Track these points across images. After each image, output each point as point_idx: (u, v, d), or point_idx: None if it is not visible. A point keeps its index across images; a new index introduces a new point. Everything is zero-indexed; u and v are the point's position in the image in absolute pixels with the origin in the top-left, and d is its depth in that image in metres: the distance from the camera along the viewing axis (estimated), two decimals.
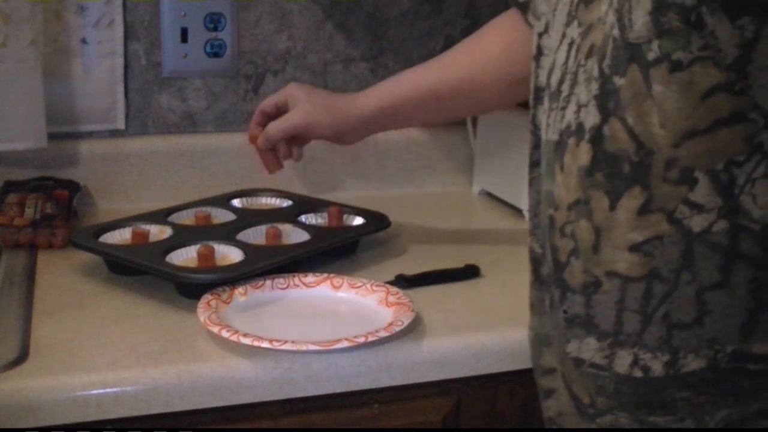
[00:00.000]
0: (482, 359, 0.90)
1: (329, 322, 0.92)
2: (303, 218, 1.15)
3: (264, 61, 1.36)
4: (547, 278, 0.77)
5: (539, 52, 0.78)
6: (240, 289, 0.94)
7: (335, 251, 1.09)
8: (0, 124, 1.18)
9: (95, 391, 0.79)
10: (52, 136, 1.23)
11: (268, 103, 1.09)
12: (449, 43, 1.45)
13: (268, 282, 0.97)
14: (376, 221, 1.15)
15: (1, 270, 1.05)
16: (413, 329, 0.90)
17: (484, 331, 0.91)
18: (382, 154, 1.43)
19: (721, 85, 0.61)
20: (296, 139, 1.09)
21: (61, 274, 1.03)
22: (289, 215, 1.15)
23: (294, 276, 0.98)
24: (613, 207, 0.67)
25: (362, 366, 0.86)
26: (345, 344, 0.83)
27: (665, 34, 0.62)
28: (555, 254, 0.73)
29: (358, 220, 1.16)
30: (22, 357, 0.82)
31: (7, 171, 1.24)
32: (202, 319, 0.86)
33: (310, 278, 0.99)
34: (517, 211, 1.30)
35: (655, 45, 0.63)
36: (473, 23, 1.45)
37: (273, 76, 1.37)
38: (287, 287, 0.97)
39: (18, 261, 1.07)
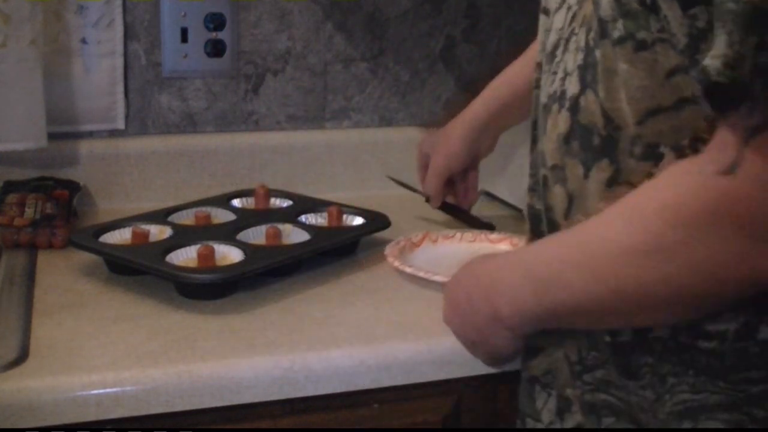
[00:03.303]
0: None
1: None
2: (303, 218, 1.15)
3: (264, 61, 1.36)
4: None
5: (546, 12, 0.78)
6: (432, 236, 1.13)
7: (335, 251, 1.09)
8: (0, 124, 1.18)
9: (95, 391, 0.79)
10: (52, 136, 1.23)
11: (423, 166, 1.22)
12: (449, 43, 1.45)
13: (458, 234, 1.14)
14: (376, 221, 1.15)
15: (1, 270, 1.05)
16: (413, 329, 0.90)
17: None
18: (382, 154, 1.43)
19: (680, 66, 0.62)
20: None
21: (61, 274, 1.03)
22: (289, 215, 1.15)
23: (481, 233, 1.15)
24: (586, 176, 0.68)
25: (362, 366, 0.86)
26: None
27: (627, 15, 0.63)
28: (549, 214, 0.74)
29: (358, 220, 1.16)
30: (22, 357, 0.82)
31: (7, 171, 1.24)
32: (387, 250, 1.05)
33: (495, 235, 1.14)
34: (517, 211, 1.29)
35: (619, 24, 0.64)
36: (473, 23, 1.45)
37: (273, 76, 1.37)
38: (474, 241, 1.14)
39: (18, 261, 1.07)
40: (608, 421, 0.72)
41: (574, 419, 0.75)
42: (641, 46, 0.63)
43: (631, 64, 0.64)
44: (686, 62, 0.61)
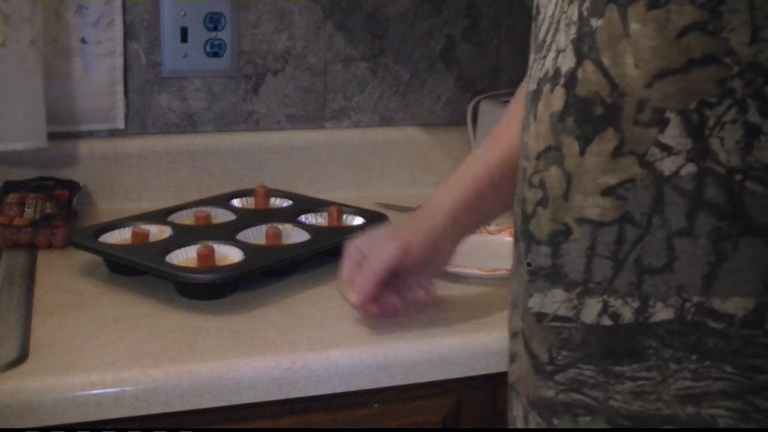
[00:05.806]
0: (482, 359, 0.90)
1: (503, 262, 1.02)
2: (303, 218, 1.15)
3: (264, 61, 1.36)
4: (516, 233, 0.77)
5: (537, 12, 0.78)
6: None
7: (335, 251, 1.09)
8: (0, 124, 1.18)
9: (95, 391, 0.79)
10: (52, 136, 1.23)
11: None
12: (449, 43, 1.45)
13: None
14: (376, 221, 1.15)
15: (1, 270, 1.05)
16: (413, 329, 0.90)
17: (484, 331, 0.91)
18: (382, 154, 1.43)
19: (696, 23, 0.62)
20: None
21: (61, 274, 1.03)
22: (289, 215, 1.15)
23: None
24: (582, 152, 0.67)
25: (362, 366, 0.86)
26: (503, 272, 1.02)
27: None
28: (523, 206, 0.74)
29: (358, 220, 1.16)
30: (22, 357, 0.82)
31: (7, 171, 1.24)
32: None
33: (493, 227, 1.18)
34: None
35: None
36: (473, 23, 1.45)
37: (273, 76, 1.37)
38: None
39: (18, 261, 1.07)
40: (584, 421, 0.72)
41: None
42: (654, 4, 0.63)
43: (643, 24, 0.63)
44: (706, 16, 0.61)
